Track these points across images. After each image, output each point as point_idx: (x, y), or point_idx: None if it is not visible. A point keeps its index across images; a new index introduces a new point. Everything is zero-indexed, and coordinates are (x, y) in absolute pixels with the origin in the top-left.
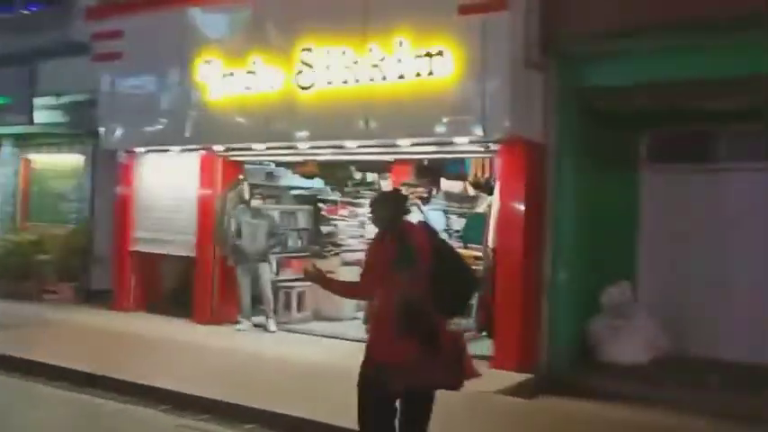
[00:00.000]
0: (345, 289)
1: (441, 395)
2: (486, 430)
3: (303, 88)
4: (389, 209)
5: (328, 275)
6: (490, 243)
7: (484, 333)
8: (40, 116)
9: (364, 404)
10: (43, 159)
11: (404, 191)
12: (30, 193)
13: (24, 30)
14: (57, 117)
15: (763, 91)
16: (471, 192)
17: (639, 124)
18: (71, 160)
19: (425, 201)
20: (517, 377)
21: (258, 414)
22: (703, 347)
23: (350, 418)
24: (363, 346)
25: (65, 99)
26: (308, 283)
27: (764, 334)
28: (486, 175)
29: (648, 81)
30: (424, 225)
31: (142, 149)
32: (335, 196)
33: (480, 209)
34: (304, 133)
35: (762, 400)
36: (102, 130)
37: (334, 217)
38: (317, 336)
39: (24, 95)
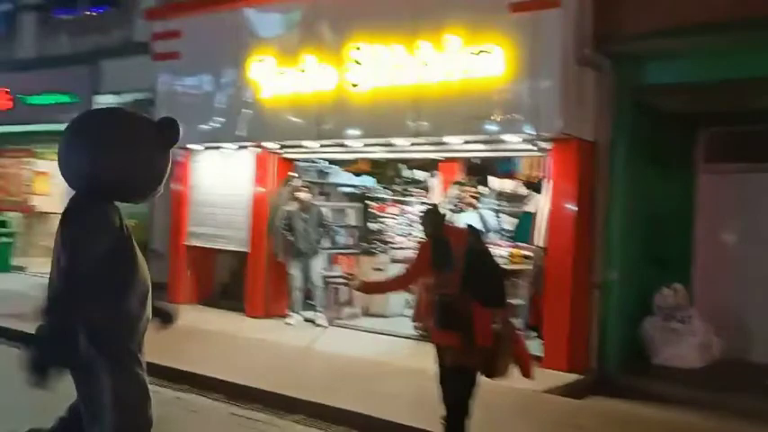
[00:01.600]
0: (385, 287)
1: (491, 394)
2: (533, 429)
3: (354, 86)
4: (429, 223)
5: (374, 271)
6: (540, 242)
7: (534, 333)
8: None
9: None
10: None
11: (454, 193)
12: None
13: (88, 30)
14: None
15: None
16: (523, 191)
17: (695, 123)
18: None
19: (477, 200)
20: (567, 377)
21: (306, 405)
22: (761, 353)
23: (392, 412)
24: (410, 342)
25: (125, 97)
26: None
27: None
28: (538, 173)
29: (704, 80)
30: (468, 228)
31: (198, 147)
32: (385, 194)
33: (531, 208)
34: (355, 131)
35: None
36: None
37: (383, 214)
38: (366, 332)
39: (86, 94)
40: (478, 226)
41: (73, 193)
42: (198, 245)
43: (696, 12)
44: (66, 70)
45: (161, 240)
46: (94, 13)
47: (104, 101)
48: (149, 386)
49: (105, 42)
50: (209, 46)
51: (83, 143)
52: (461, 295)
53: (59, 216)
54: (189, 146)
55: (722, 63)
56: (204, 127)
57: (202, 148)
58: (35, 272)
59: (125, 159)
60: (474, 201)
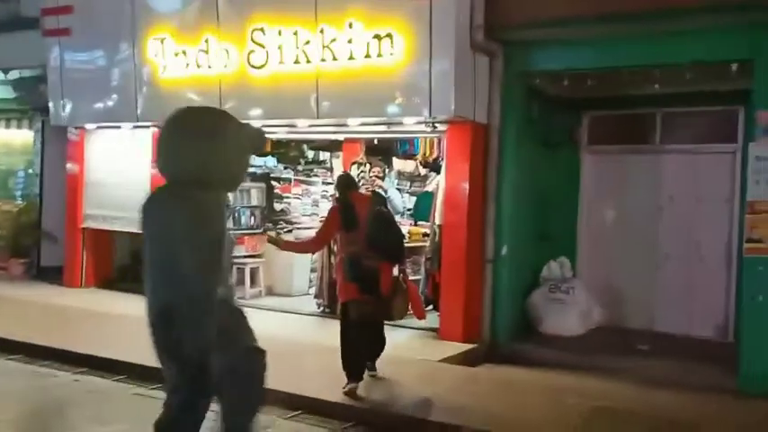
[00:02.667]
0: (299, 246)
1: (393, 365)
2: (432, 394)
3: (255, 68)
4: (340, 186)
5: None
6: (437, 220)
7: (431, 306)
8: None
9: (341, 330)
10: None
11: (358, 171)
12: None
13: None
14: (5, 92)
15: (698, 78)
16: (422, 171)
17: (581, 107)
18: (20, 136)
19: (381, 179)
20: (462, 347)
21: None
22: (638, 320)
23: (291, 384)
24: (315, 319)
25: (13, 74)
26: (262, 260)
27: (694, 307)
28: (435, 154)
29: (587, 67)
30: (372, 194)
31: (93, 126)
32: (289, 174)
33: (430, 187)
34: (257, 112)
35: (691, 369)
36: (51, 106)
37: (288, 195)
38: (270, 310)
39: None
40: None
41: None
42: (95, 227)
43: (579, 3)
44: None
45: (53, 222)
46: None
47: None
48: None
49: None
50: (102, 22)
51: (198, 139)
52: (367, 252)
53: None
54: (84, 125)
55: (604, 52)
56: (99, 106)
57: (96, 127)
58: None
59: (236, 157)
60: (380, 181)
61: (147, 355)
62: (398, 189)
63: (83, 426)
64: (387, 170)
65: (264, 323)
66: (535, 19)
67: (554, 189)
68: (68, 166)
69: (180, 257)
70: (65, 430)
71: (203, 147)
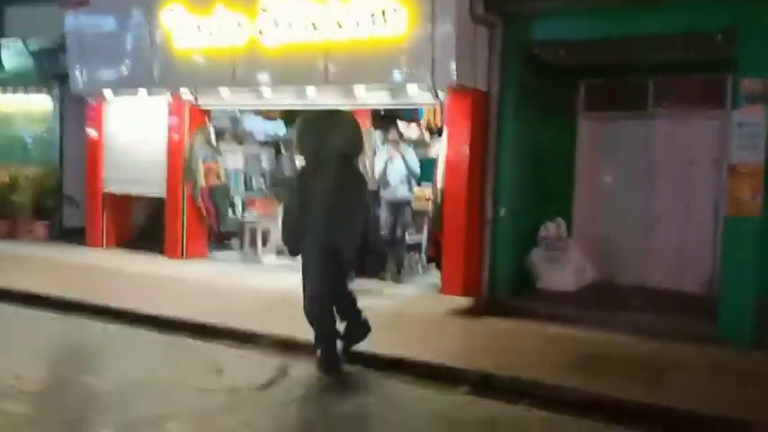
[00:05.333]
0: None
1: (395, 315)
2: (435, 343)
3: (266, 37)
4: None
5: None
6: (439, 183)
7: (434, 264)
8: (7, 61)
9: None
10: (12, 102)
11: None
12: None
13: None
14: (25, 62)
15: (688, 47)
16: (426, 136)
17: (576, 75)
18: (40, 103)
19: (397, 143)
20: (463, 301)
21: (230, 332)
22: (630, 277)
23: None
24: None
25: (33, 44)
26: (273, 221)
27: (683, 264)
28: (438, 121)
29: (583, 37)
30: None
31: (110, 93)
32: None
33: (433, 152)
34: (267, 79)
35: (677, 320)
36: (70, 73)
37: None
38: (281, 269)
39: None
40: (402, 170)
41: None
42: (115, 191)
43: None
44: None
45: (74, 187)
46: None
47: (11, 48)
48: None
49: None
50: None
51: (350, 132)
52: None
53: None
54: (102, 92)
55: (599, 22)
56: (116, 73)
57: (114, 95)
58: None
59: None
60: (395, 146)
61: (168, 307)
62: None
63: (121, 367)
64: (405, 136)
65: (278, 281)
66: None
67: (551, 153)
68: (88, 131)
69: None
70: (105, 370)
71: (347, 134)
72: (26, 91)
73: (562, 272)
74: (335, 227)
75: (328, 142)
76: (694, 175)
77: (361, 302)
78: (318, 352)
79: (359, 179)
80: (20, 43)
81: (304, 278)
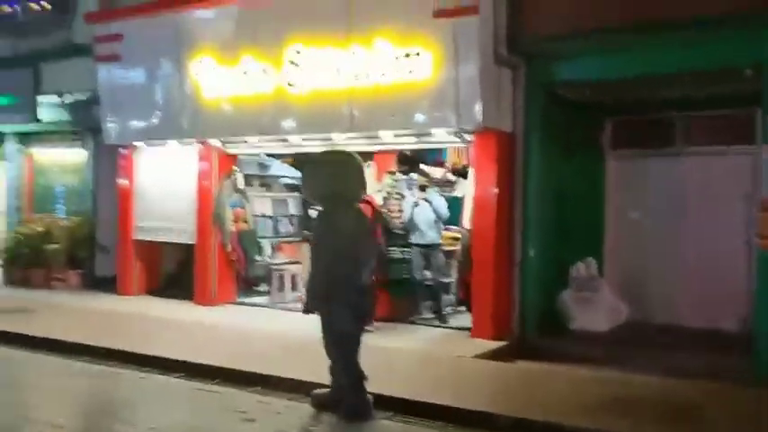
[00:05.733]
0: None
1: (426, 358)
2: (465, 387)
3: (292, 86)
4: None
5: None
6: (466, 224)
7: (464, 307)
8: (43, 114)
9: None
10: (47, 155)
11: (391, 179)
12: (35, 186)
13: (29, 32)
14: (60, 115)
15: (716, 83)
16: (451, 177)
17: (603, 113)
18: (74, 155)
19: (425, 188)
20: (493, 344)
21: (258, 378)
22: (664, 315)
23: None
24: None
25: (68, 98)
26: (301, 266)
27: (717, 302)
28: (463, 161)
29: (607, 76)
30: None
31: (142, 144)
32: None
33: (458, 193)
34: (294, 127)
35: (713, 360)
36: (103, 125)
37: None
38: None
39: (29, 95)
40: (430, 214)
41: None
42: (145, 238)
43: (597, 16)
44: (6, 72)
45: (107, 235)
46: (35, 6)
47: (47, 101)
48: None
49: (45, 45)
50: (149, 48)
51: (347, 173)
52: None
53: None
54: (133, 143)
55: (624, 60)
56: (148, 124)
57: (145, 145)
58: None
59: (360, 179)
60: (420, 191)
61: (201, 353)
62: (454, 198)
63: (154, 416)
64: (431, 179)
65: (306, 325)
66: (554, 33)
67: (579, 192)
68: (119, 181)
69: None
70: (138, 420)
71: (343, 176)
72: (61, 143)
73: (595, 312)
74: (332, 275)
75: (328, 185)
76: (725, 211)
77: (391, 344)
78: (339, 397)
79: (359, 221)
80: (55, 97)
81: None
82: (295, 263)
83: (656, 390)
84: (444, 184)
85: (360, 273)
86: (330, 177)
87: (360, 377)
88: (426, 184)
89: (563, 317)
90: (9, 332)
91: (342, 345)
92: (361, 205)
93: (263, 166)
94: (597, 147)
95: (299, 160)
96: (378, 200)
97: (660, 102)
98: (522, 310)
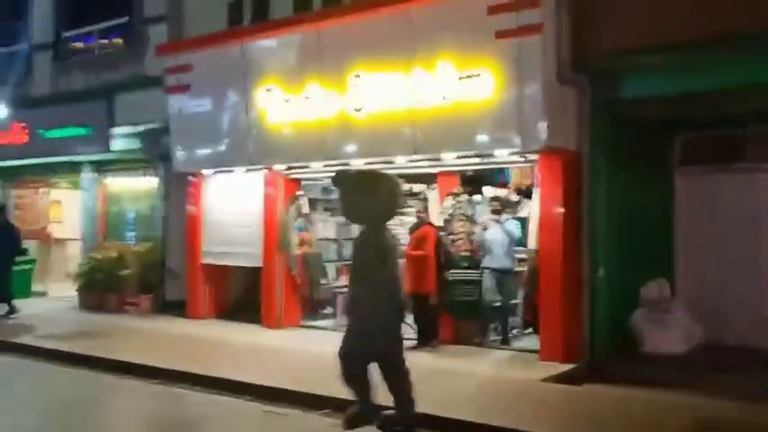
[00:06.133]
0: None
1: (498, 383)
2: (534, 411)
3: (355, 110)
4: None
5: None
6: (532, 245)
7: (530, 329)
8: (117, 144)
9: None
10: (120, 183)
11: (454, 201)
12: (108, 214)
13: (102, 66)
14: (132, 144)
15: None
16: (515, 198)
17: (669, 130)
18: (145, 183)
19: (499, 213)
20: (562, 367)
21: (328, 401)
22: (740, 338)
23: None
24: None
25: (140, 128)
26: None
27: None
28: (527, 181)
29: (673, 92)
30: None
31: (210, 171)
32: None
33: (523, 213)
34: (357, 151)
35: None
36: (173, 154)
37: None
38: None
39: (103, 126)
40: (504, 238)
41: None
42: (213, 263)
43: (662, 32)
44: (81, 105)
45: (176, 260)
46: (105, 42)
47: (120, 132)
48: None
49: (118, 78)
50: (217, 77)
51: (371, 194)
52: None
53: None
54: (201, 171)
55: (691, 76)
56: (216, 152)
57: (213, 172)
58: (57, 295)
59: (391, 200)
60: (494, 215)
61: (270, 376)
62: (517, 218)
63: None
64: (506, 202)
65: None
66: (618, 50)
67: (648, 210)
68: (188, 207)
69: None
70: None
71: (372, 198)
72: (133, 172)
73: (668, 334)
74: (354, 296)
75: (363, 205)
76: None
77: (458, 367)
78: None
79: (382, 245)
80: (128, 128)
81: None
82: None
83: (735, 415)
84: (508, 205)
85: (378, 292)
86: (362, 197)
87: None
88: (499, 207)
89: (635, 339)
90: (89, 356)
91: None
92: (425, 228)
93: (326, 190)
94: (666, 164)
95: (334, 180)
96: (439, 221)
97: (730, 116)
98: (591, 332)
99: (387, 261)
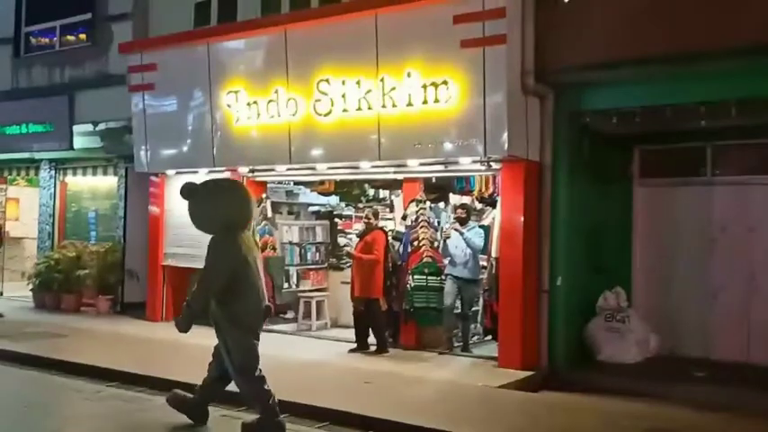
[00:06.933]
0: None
1: (453, 388)
2: (491, 417)
3: (321, 115)
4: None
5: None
6: (493, 253)
7: (489, 336)
8: (78, 142)
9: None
10: (79, 182)
11: (417, 208)
12: (67, 213)
13: (65, 63)
14: (93, 143)
15: (743, 113)
16: (478, 206)
17: (632, 142)
18: (105, 182)
19: (464, 221)
20: (520, 374)
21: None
22: (694, 348)
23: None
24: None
25: (101, 126)
26: (327, 293)
27: (750, 334)
28: (490, 190)
29: (635, 105)
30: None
31: (173, 172)
32: (350, 211)
33: (486, 221)
34: (322, 155)
35: (744, 394)
36: (136, 154)
37: (350, 231)
38: (335, 341)
39: (64, 123)
40: (462, 247)
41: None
42: (174, 264)
43: (624, 47)
44: (42, 101)
45: (136, 261)
46: (68, 38)
47: (81, 130)
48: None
49: (80, 74)
50: (182, 78)
51: (220, 200)
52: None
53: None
54: (164, 171)
55: (653, 90)
56: (179, 153)
57: (175, 173)
58: (11, 295)
59: (247, 208)
60: (457, 224)
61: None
62: (480, 226)
63: None
64: (470, 211)
65: (328, 352)
66: (583, 62)
67: (607, 221)
68: (150, 208)
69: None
70: None
71: (220, 205)
72: (94, 170)
73: (623, 343)
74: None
75: (213, 213)
76: (758, 243)
77: (416, 372)
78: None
79: (222, 252)
80: (90, 126)
81: None
82: (321, 290)
83: (686, 424)
84: (471, 212)
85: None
86: (212, 206)
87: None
88: (464, 216)
89: (591, 347)
90: (41, 356)
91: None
92: (374, 233)
93: (291, 193)
94: (626, 176)
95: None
96: (401, 228)
97: (689, 131)
98: (549, 340)
99: (235, 269)
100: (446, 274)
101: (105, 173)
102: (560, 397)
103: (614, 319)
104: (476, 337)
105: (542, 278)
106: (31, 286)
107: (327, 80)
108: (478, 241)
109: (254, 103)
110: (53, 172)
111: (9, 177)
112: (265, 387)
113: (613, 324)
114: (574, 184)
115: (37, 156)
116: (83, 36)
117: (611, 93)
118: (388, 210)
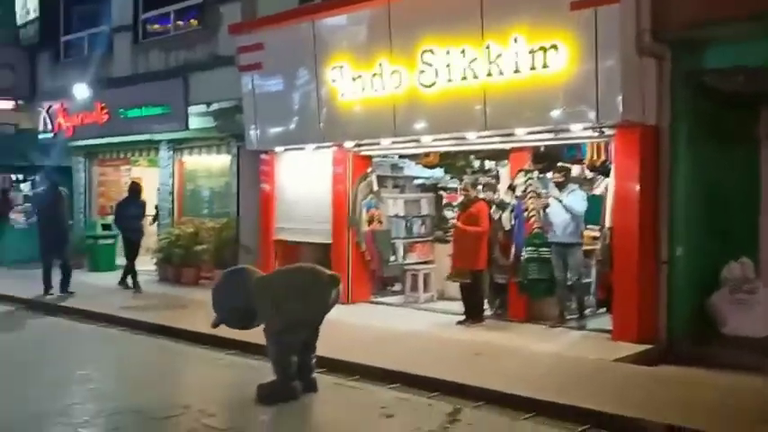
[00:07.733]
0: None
1: (568, 363)
2: (607, 391)
3: (426, 86)
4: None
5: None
6: (607, 223)
7: (604, 308)
8: (193, 122)
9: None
10: (196, 161)
11: (525, 178)
12: (184, 190)
13: (177, 47)
14: (207, 123)
15: None
16: (589, 174)
17: (755, 102)
18: (219, 161)
19: (562, 185)
20: (637, 348)
21: (398, 375)
22: None
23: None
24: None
25: (214, 106)
26: (433, 266)
27: None
28: (603, 158)
29: (759, 63)
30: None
31: (281, 149)
32: (455, 184)
33: (598, 191)
34: (427, 127)
35: None
36: (246, 132)
37: (455, 203)
38: (443, 313)
39: (180, 104)
40: (562, 215)
41: None
42: (285, 239)
43: (747, 1)
44: (159, 84)
45: (249, 236)
46: (181, 23)
47: (195, 110)
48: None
49: (193, 57)
50: (289, 55)
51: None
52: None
53: None
54: (273, 148)
55: None
56: (287, 130)
57: (284, 150)
58: (138, 269)
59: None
60: (559, 187)
61: (339, 350)
62: (592, 196)
63: (297, 407)
64: (569, 174)
65: (436, 323)
66: (702, 19)
67: (731, 187)
68: (261, 185)
69: None
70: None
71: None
72: (208, 149)
73: (751, 316)
74: None
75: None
76: None
77: (530, 346)
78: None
79: None
80: (203, 106)
81: None
82: (428, 263)
83: None
84: (582, 182)
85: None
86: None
87: None
88: (561, 180)
89: (714, 321)
90: (166, 326)
91: None
92: (478, 204)
93: (396, 167)
94: (752, 139)
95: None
96: (507, 198)
97: None
98: (668, 313)
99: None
100: (551, 243)
101: (219, 152)
102: (679, 371)
103: (741, 291)
104: (588, 310)
105: (661, 249)
106: (154, 260)
107: (431, 50)
108: (579, 207)
109: (359, 77)
110: (171, 152)
111: (132, 158)
112: (293, 358)
113: (740, 296)
114: (693, 147)
115: (156, 137)
116: (194, 20)
117: (733, 50)
118: (494, 181)
